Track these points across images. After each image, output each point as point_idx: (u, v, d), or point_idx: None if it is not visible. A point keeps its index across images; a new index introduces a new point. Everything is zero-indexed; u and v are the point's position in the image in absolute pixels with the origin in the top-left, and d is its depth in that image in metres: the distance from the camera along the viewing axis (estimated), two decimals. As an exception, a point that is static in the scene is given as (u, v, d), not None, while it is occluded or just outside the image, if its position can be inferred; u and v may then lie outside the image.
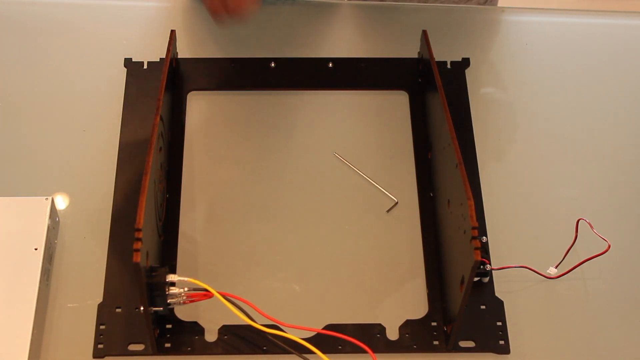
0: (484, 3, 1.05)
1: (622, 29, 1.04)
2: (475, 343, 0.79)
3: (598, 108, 0.96)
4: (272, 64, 0.96)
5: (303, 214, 0.87)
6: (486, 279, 0.82)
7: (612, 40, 1.02)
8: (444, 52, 0.97)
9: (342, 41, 1.01)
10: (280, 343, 0.76)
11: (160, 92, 0.81)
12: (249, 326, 0.75)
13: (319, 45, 1.00)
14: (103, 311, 0.80)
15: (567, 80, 0.98)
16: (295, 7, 1.02)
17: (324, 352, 0.74)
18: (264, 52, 0.98)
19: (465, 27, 1.02)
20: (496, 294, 0.82)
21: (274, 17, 1.02)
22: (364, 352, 0.75)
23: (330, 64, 0.97)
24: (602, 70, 0.99)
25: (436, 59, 0.88)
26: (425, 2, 1.03)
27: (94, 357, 0.78)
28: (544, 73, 0.98)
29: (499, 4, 1.07)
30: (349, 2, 1.03)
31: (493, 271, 0.82)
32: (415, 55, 0.97)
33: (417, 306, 0.82)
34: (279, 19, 1.02)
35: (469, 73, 0.96)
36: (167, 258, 0.83)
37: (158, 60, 0.95)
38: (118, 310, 0.80)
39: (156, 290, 0.74)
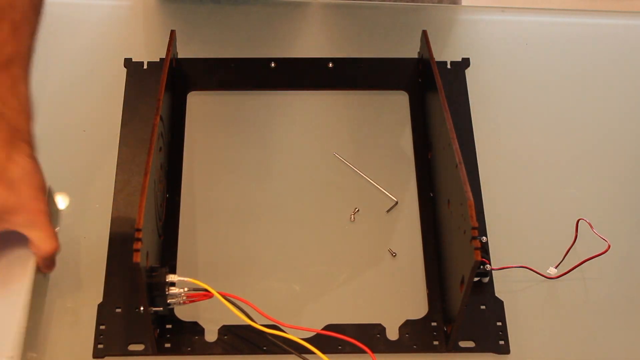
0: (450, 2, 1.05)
1: (622, 29, 1.04)
2: (475, 343, 0.79)
3: (598, 108, 0.96)
4: (272, 64, 0.96)
5: (303, 214, 0.87)
6: (486, 279, 0.82)
7: (612, 40, 1.02)
8: (444, 52, 0.97)
9: (342, 41, 1.01)
10: (280, 343, 0.76)
11: (160, 92, 0.81)
12: (249, 326, 0.75)
13: (319, 45, 1.00)
14: (103, 311, 0.80)
15: (567, 80, 0.98)
16: (295, 7, 1.02)
17: (323, 352, 0.74)
18: (264, 52, 0.98)
19: (465, 27, 1.02)
20: (496, 294, 0.82)
21: (273, 17, 1.02)
22: (364, 352, 0.75)
23: (330, 64, 0.97)
24: (602, 71, 0.99)
25: (436, 59, 0.88)
26: (425, 2, 1.04)
27: (94, 357, 0.78)
28: (544, 73, 0.98)
29: (500, 4, 1.07)
30: (350, 2, 1.03)
31: (493, 271, 0.82)
32: (415, 55, 0.97)
33: (417, 306, 0.82)
34: (278, 19, 1.02)
35: (469, 73, 0.96)
36: (167, 258, 0.83)
37: (158, 60, 0.95)
38: (118, 310, 0.80)
39: (156, 290, 0.74)
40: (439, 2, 1.05)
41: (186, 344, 0.79)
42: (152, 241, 0.77)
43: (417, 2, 1.04)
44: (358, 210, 0.87)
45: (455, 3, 1.07)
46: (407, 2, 1.03)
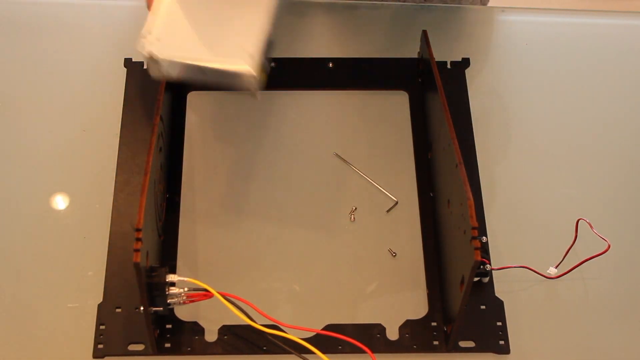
0: (479, 3, 1.05)
1: (622, 29, 1.04)
2: (475, 343, 0.79)
3: (598, 108, 0.96)
4: (273, 64, 0.96)
5: (303, 214, 0.87)
6: (486, 279, 0.82)
7: (612, 40, 1.02)
8: (444, 52, 0.97)
9: (342, 41, 1.01)
10: (280, 343, 0.76)
11: (160, 92, 0.81)
12: (249, 326, 0.75)
13: (319, 45, 1.00)
14: (103, 311, 0.80)
15: (567, 80, 0.98)
16: (295, 7, 1.02)
17: (323, 352, 0.74)
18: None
19: (465, 27, 1.02)
20: (496, 294, 0.82)
21: (273, 16, 1.01)
22: (364, 352, 0.75)
23: (330, 64, 0.97)
24: (602, 70, 0.99)
25: (436, 59, 0.88)
26: (425, 2, 1.03)
27: (94, 357, 0.78)
28: (544, 73, 0.98)
29: (501, 4, 1.07)
30: (350, 2, 1.03)
31: (493, 271, 0.82)
32: (415, 55, 0.97)
33: (417, 306, 0.82)
34: (278, 19, 1.01)
35: (469, 73, 0.96)
36: (167, 258, 0.83)
37: (158, 60, 0.95)
38: (118, 310, 0.80)
39: (156, 290, 0.74)
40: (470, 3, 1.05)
41: (186, 344, 0.79)
42: (152, 241, 0.77)
43: (418, 2, 1.04)
44: (356, 209, 0.87)
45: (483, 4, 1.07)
46: (407, 2, 1.03)
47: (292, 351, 0.76)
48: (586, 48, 1.01)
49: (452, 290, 0.77)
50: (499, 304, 0.81)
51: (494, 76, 0.98)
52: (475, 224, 0.69)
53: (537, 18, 1.06)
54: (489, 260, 0.81)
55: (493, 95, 0.96)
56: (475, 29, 1.02)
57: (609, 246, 0.82)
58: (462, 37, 1.00)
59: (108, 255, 0.83)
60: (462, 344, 0.79)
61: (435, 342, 0.79)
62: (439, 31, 0.99)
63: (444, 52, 0.97)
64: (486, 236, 0.84)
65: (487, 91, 0.96)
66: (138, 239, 0.68)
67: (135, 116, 0.91)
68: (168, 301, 0.75)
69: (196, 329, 0.79)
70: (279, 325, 0.76)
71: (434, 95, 0.86)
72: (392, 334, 0.80)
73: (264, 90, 0.94)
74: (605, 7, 1.09)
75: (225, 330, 0.79)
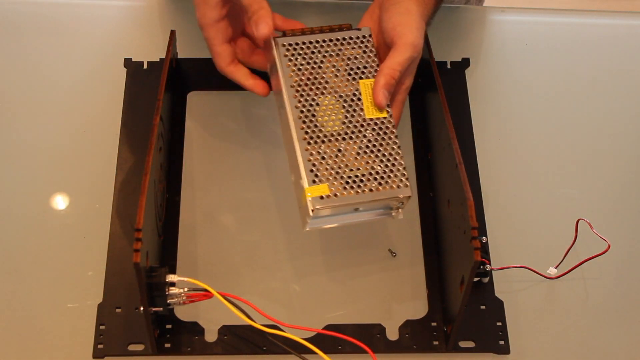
0: (475, 3, 1.05)
1: (622, 29, 1.04)
2: (475, 343, 0.79)
3: (598, 108, 0.96)
4: (272, 64, 0.96)
5: (303, 214, 0.87)
6: (486, 279, 0.82)
7: (612, 40, 1.02)
8: (444, 52, 0.97)
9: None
10: (280, 343, 0.76)
11: (160, 92, 0.81)
12: (249, 326, 0.75)
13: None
14: (103, 311, 0.80)
15: (566, 80, 0.98)
16: (288, 7, 1.02)
17: (324, 352, 0.74)
18: (264, 52, 0.97)
19: (465, 27, 1.02)
20: (496, 294, 0.82)
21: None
22: (364, 352, 0.75)
23: (330, 64, 0.96)
24: (602, 71, 0.99)
25: (436, 59, 0.88)
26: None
27: (94, 357, 0.78)
28: (544, 73, 0.98)
29: (501, 4, 1.07)
30: (350, 2, 1.03)
31: (493, 271, 0.82)
32: (415, 55, 0.97)
33: (417, 306, 0.82)
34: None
35: (469, 73, 0.96)
36: (167, 258, 0.83)
37: (158, 60, 0.95)
38: (118, 310, 0.80)
39: (156, 290, 0.74)
40: (465, 3, 1.05)
41: (186, 344, 0.79)
42: (152, 241, 0.77)
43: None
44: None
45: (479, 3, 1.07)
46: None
47: (292, 351, 0.76)
48: (586, 48, 1.01)
49: (452, 290, 0.77)
50: (499, 304, 0.81)
51: (494, 76, 0.98)
52: (475, 224, 0.69)
53: (537, 18, 1.06)
54: (489, 260, 0.81)
55: (493, 95, 0.96)
56: (475, 29, 1.02)
57: (609, 246, 0.82)
58: (462, 37, 1.00)
59: (108, 255, 0.83)
60: (462, 344, 0.79)
61: (435, 342, 0.79)
62: (439, 31, 0.99)
63: (444, 52, 0.97)
64: (486, 236, 0.84)
65: (487, 91, 0.96)
66: (138, 239, 0.68)
67: (135, 116, 0.91)
68: (168, 301, 0.75)
69: (196, 329, 0.79)
70: (279, 325, 0.76)
71: (434, 95, 0.86)
72: (392, 334, 0.80)
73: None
74: (605, 7, 1.09)
75: (225, 330, 0.79)
